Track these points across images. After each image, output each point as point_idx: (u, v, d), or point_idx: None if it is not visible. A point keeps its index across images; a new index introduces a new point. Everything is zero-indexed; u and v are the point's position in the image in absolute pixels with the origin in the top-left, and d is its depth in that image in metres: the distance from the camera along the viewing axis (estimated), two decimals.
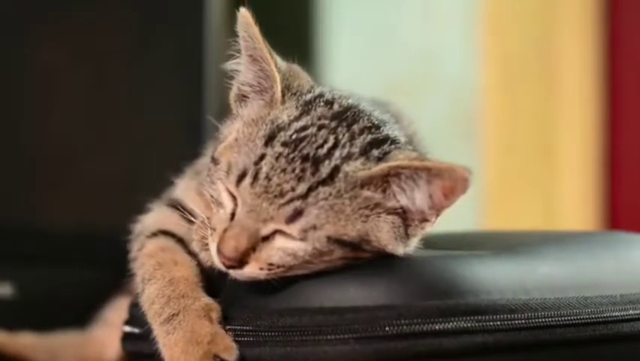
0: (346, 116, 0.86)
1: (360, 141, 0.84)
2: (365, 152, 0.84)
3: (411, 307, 0.81)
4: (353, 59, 2.06)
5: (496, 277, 0.85)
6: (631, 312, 0.88)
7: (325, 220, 0.81)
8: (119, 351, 1.02)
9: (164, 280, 0.88)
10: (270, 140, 0.83)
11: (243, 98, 0.90)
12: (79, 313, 1.21)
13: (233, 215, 0.84)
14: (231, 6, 1.77)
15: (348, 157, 0.83)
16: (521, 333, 0.83)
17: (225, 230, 0.83)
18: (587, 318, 0.86)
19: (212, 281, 0.89)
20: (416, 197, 0.83)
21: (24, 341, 1.23)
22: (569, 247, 0.95)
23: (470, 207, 2.13)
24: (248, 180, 0.82)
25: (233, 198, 0.84)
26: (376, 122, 0.87)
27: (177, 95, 1.49)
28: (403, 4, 2.11)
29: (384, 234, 0.84)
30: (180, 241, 0.92)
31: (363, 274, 0.84)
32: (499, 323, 0.82)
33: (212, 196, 0.86)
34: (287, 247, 0.82)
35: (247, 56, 0.88)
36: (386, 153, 0.84)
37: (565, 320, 0.85)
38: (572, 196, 2.22)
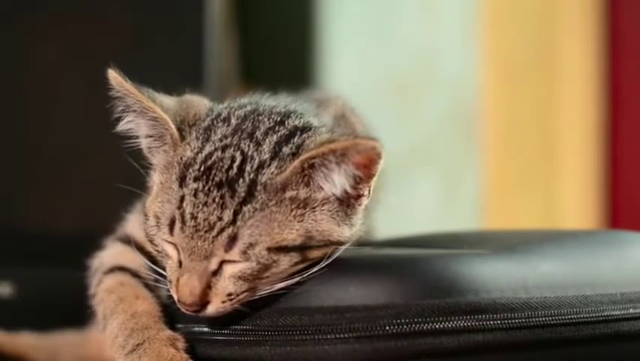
0: (245, 126, 0.86)
1: (267, 146, 0.84)
2: (276, 154, 0.83)
3: (411, 307, 0.81)
4: (353, 59, 2.06)
5: (496, 276, 0.85)
6: (631, 311, 0.88)
7: (259, 235, 0.81)
8: None
9: (126, 314, 0.88)
10: (182, 180, 0.83)
11: (151, 149, 0.90)
12: (79, 313, 1.21)
13: (180, 262, 0.84)
14: (231, 6, 1.77)
15: (260, 167, 0.82)
16: (521, 332, 0.83)
17: (178, 279, 0.83)
18: (587, 317, 0.86)
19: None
20: (335, 180, 0.83)
21: (24, 341, 1.23)
22: (569, 245, 0.95)
23: (470, 207, 2.13)
24: (177, 225, 0.82)
25: (175, 246, 0.84)
26: (279, 119, 0.86)
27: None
28: (402, 4, 2.11)
29: (324, 225, 0.83)
30: (136, 275, 0.93)
31: (363, 273, 0.84)
32: (499, 321, 0.82)
33: (158, 251, 0.86)
34: (235, 272, 0.82)
35: (133, 112, 0.88)
36: (299, 146, 0.84)
37: (565, 318, 0.85)
38: (572, 196, 2.22)
